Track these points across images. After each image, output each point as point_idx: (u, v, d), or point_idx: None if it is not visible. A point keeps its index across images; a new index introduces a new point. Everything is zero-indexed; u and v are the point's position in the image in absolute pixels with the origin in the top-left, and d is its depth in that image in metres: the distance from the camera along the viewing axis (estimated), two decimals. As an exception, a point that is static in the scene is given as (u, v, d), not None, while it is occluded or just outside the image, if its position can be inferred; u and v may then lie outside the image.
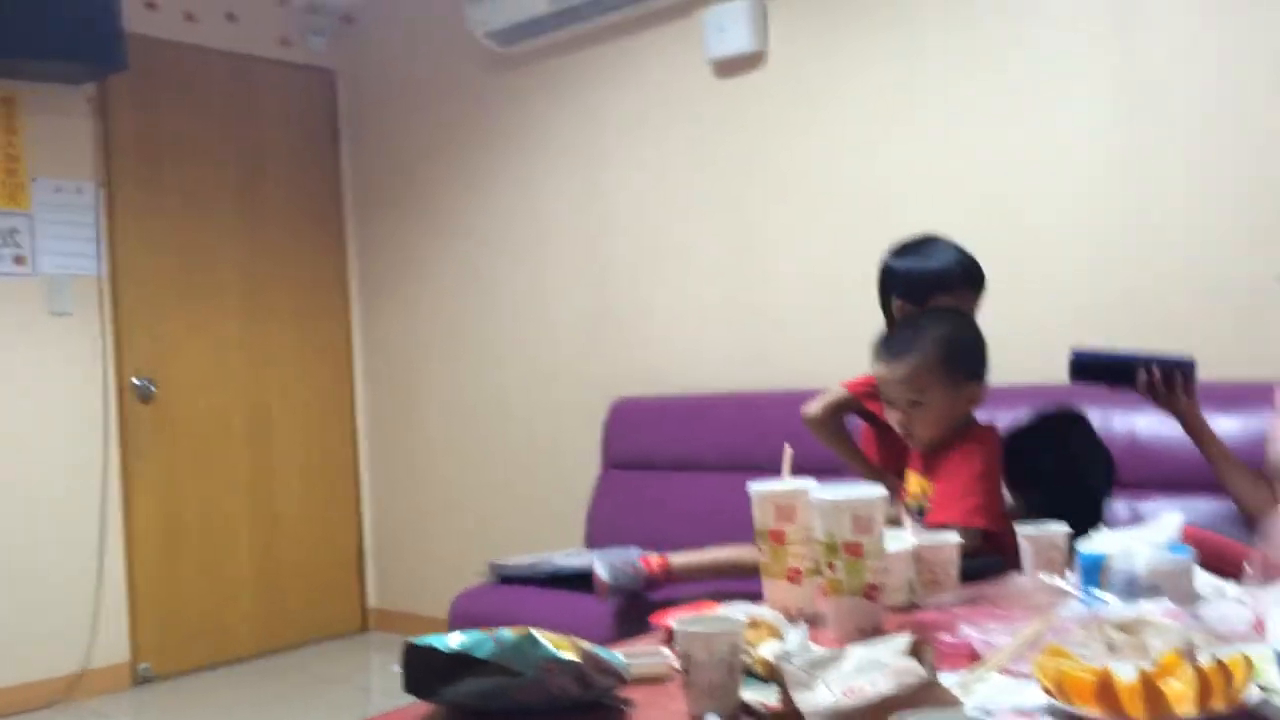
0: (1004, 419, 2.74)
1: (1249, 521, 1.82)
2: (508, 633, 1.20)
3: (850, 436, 2.37)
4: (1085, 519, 1.93)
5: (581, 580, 2.91)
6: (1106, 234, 2.82)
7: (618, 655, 1.26)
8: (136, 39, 3.97)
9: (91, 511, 4.00)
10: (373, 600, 4.75)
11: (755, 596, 1.57)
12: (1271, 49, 2.56)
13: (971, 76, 3.04)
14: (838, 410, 2.35)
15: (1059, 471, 2.12)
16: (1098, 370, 2.03)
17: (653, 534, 3.01)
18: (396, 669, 1.29)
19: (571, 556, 3.13)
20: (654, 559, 2.70)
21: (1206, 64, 2.66)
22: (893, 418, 2.00)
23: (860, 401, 2.30)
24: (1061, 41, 2.87)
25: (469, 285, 4.34)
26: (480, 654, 1.19)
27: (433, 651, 1.21)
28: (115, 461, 4.07)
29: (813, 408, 2.36)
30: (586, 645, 1.20)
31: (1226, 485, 2.07)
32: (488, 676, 1.19)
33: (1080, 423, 2.22)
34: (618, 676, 1.24)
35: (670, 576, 2.68)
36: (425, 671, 1.22)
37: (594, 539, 3.48)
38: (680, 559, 2.69)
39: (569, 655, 1.17)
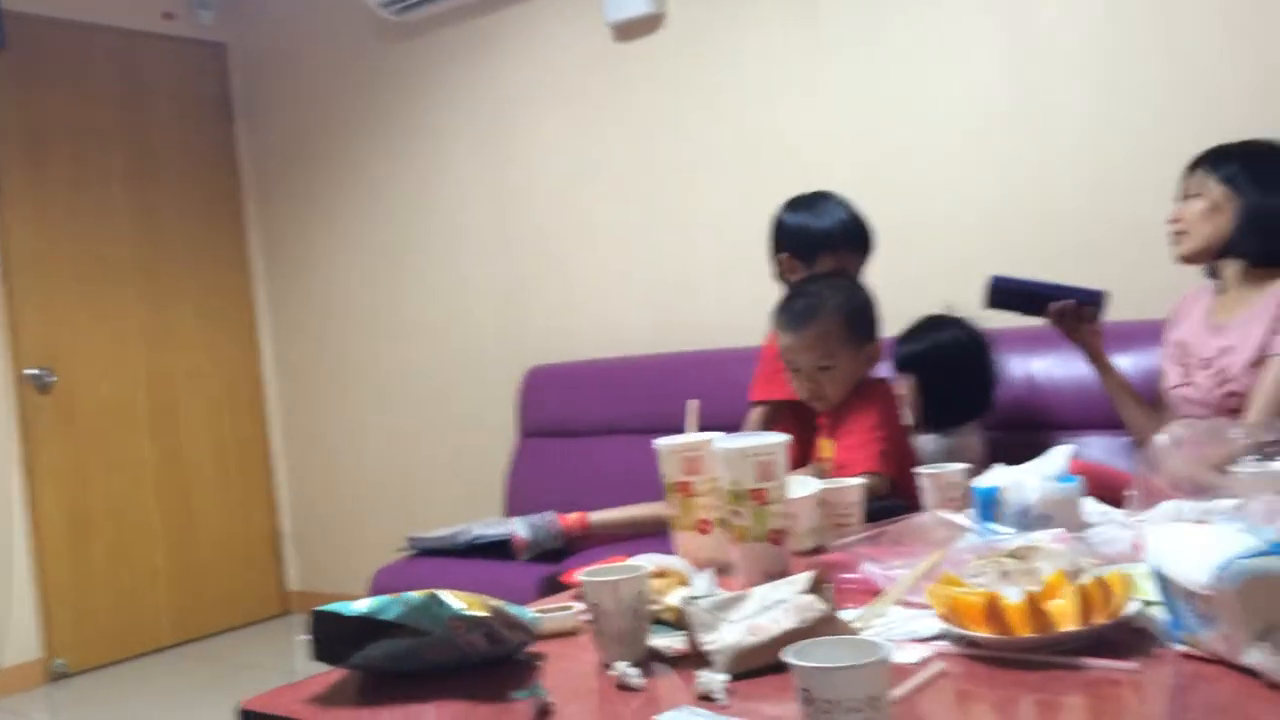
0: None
1: (1142, 449, 1.92)
2: (414, 595, 1.21)
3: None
4: (977, 402, 2.09)
5: (501, 548, 2.92)
6: (1002, 184, 2.89)
7: (528, 611, 1.27)
8: (13, 16, 3.80)
9: (-8, 507, 3.87)
10: (292, 583, 4.69)
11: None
12: (1158, 3, 2.65)
13: (869, 33, 3.07)
14: (749, 424, 2.38)
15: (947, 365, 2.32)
16: (1013, 297, 2.14)
17: (571, 499, 3.02)
18: (305, 638, 1.28)
19: (491, 525, 3.13)
20: (572, 517, 2.72)
21: (1096, 17, 2.73)
22: (800, 384, 2.05)
23: (758, 399, 2.34)
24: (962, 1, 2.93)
25: (378, 260, 4.27)
26: (387, 616, 1.19)
27: (339, 617, 1.21)
28: (15, 453, 3.93)
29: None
30: (495, 602, 1.21)
31: (1122, 415, 2.21)
32: (396, 638, 1.19)
33: (958, 324, 2.38)
34: (528, 631, 1.25)
35: (588, 533, 2.71)
36: (333, 638, 1.22)
37: (513, 508, 3.48)
38: (598, 516, 2.72)
39: (477, 612, 1.18)
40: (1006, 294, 2.12)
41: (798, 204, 2.35)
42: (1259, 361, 1.94)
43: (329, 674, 1.24)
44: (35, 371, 3.99)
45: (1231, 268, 2.05)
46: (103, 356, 4.17)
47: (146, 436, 4.28)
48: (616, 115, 3.59)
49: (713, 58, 3.36)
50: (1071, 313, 2.11)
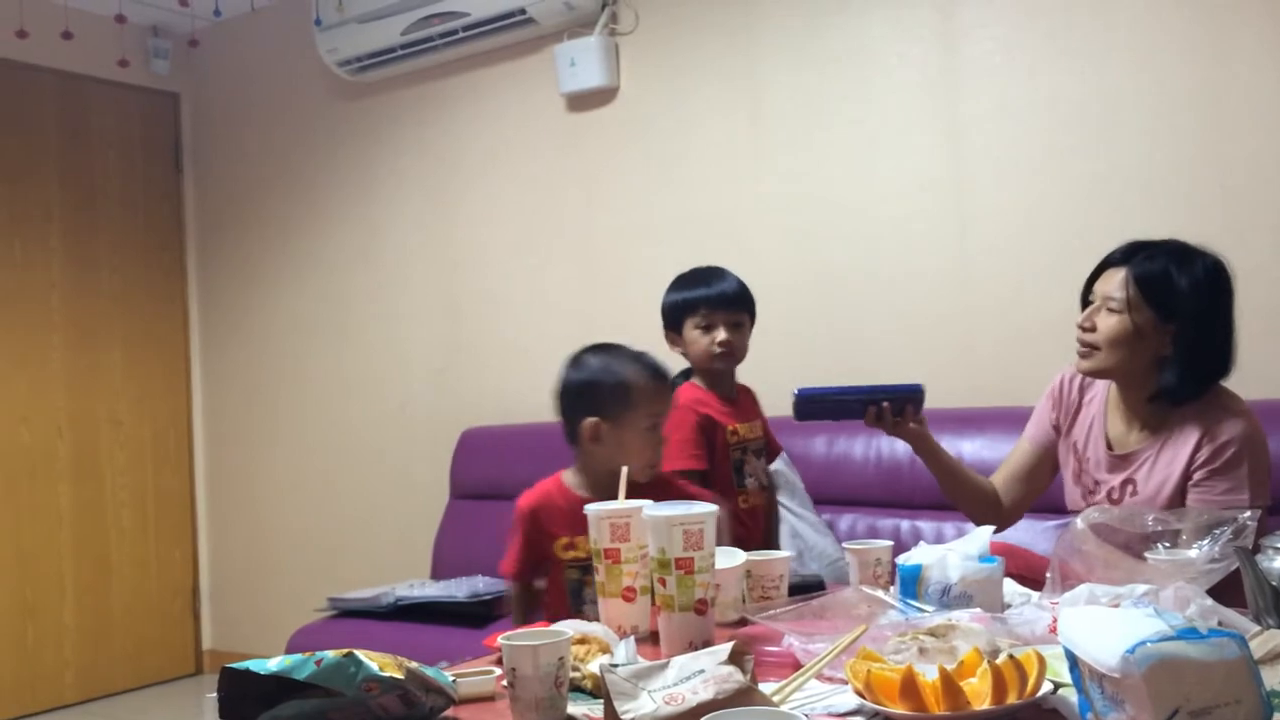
0: (796, 445, 2.91)
1: (981, 523, 1.87)
2: (330, 654, 1.18)
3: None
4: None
5: (425, 611, 2.87)
6: (930, 272, 2.98)
7: (445, 674, 1.25)
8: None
9: (-105, 553, 3.72)
10: (208, 642, 4.54)
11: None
12: (1087, 100, 2.76)
13: (809, 122, 3.17)
14: None
15: None
16: (822, 408, 2.02)
17: (499, 562, 2.99)
18: (212, 696, 1.25)
19: (414, 587, 3.08)
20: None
21: (1028, 113, 2.84)
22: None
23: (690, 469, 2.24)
24: (894, 88, 3.03)
25: (317, 316, 4.24)
26: (300, 675, 1.16)
27: (249, 675, 1.18)
28: (-76, 498, 3.80)
29: None
30: (412, 665, 1.19)
31: (955, 498, 2.10)
32: (308, 698, 1.16)
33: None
34: (445, 695, 1.23)
35: None
36: (242, 696, 1.19)
37: (440, 569, 3.43)
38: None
39: (392, 674, 1.15)
40: (815, 405, 1.99)
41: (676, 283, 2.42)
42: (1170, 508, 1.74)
43: (236, 733, 1.20)
44: (-47, 412, 3.88)
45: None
46: (22, 401, 4.06)
47: (65, 484, 4.15)
48: (564, 184, 3.63)
49: (661, 134, 3.43)
50: (890, 414, 1.94)
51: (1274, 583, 1.31)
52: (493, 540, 3.39)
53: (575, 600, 1.86)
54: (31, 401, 4.08)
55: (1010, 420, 2.54)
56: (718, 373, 2.33)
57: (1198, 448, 1.79)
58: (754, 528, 2.31)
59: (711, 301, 2.30)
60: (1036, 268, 2.81)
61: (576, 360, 1.99)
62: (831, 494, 2.89)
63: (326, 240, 4.20)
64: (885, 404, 1.94)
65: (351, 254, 4.14)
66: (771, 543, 2.35)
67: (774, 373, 3.15)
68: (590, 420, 1.88)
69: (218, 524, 4.55)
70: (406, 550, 3.82)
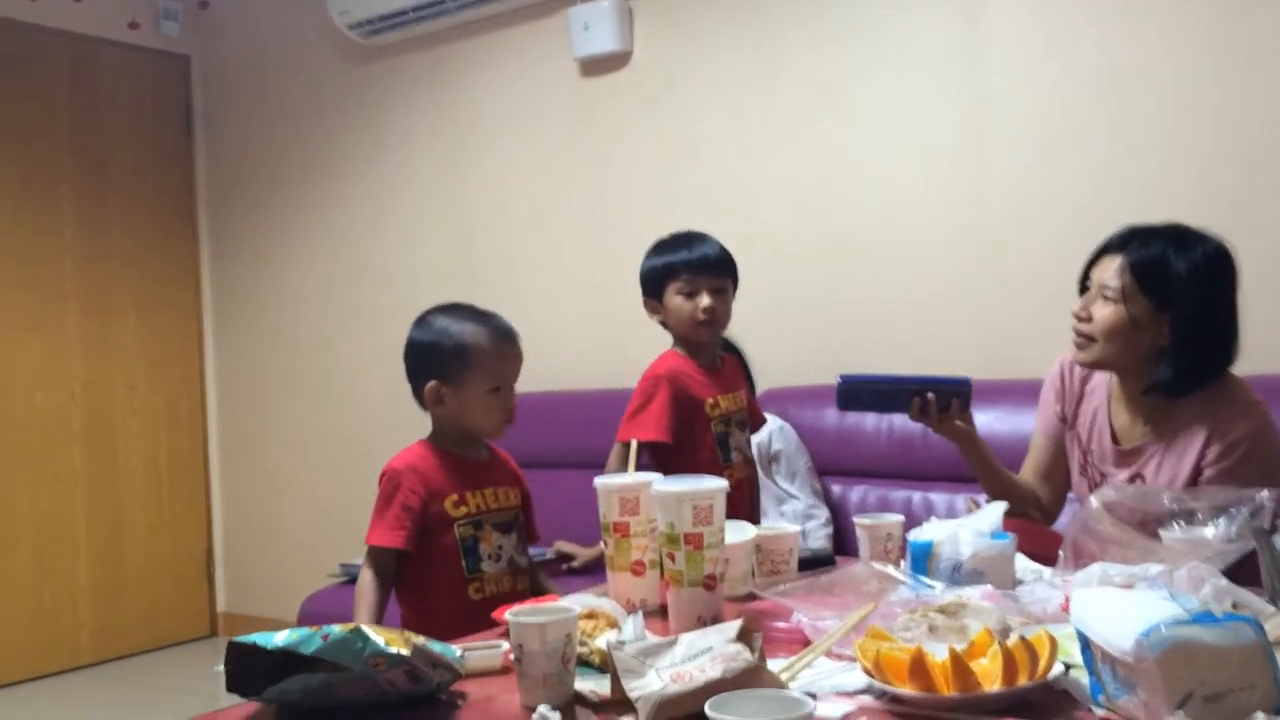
0: (807, 416, 2.89)
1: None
2: (336, 628, 1.18)
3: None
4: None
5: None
6: (945, 245, 2.94)
7: (452, 649, 1.25)
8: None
9: (-88, 515, 3.75)
10: (222, 604, 4.58)
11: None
12: (1106, 74, 2.71)
13: (826, 89, 3.12)
14: (624, 461, 2.09)
15: None
16: (867, 396, 1.93)
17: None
18: (219, 669, 1.25)
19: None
20: None
21: (1047, 86, 2.79)
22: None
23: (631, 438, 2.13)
24: (914, 57, 2.97)
25: (330, 280, 4.23)
26: (306, 650, 1.16)
27: (256, 649, 1.18)
28: (-61, 460, 3.83)
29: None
30: (419, 640, 1.19)
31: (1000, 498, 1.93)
32: (314, 672, 1.16)
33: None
34: (451, 670, 1.22)
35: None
36: (249, 670, 1.19)
37: (452, 538, 3.43)
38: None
39: (398, 649, 1.15)
40: (859, 393, 1.90)
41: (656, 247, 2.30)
42: None
43: (243, 707, 1.20)
44: (-34, 377, 3.89)
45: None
46: (35, 366, 4.07)
47: (79, 449, 4.17)
48: (578, 148, 3.59)
49: (675, 98, 3.39)
50: (935, 408, 1.85)
51: (1291, 564, 1.29)
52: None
53: (470, 560, 1.80)
54: (45, 366, 4.10)
55: (1028, 393, 2.50)
56: (700, 341, 2.22)
57: (1206, 445, 1.72)
58: (739, 503, 2.23)
59: (694, 266, 2.19)
60: (1056, 239, 2.77)
61: (421, 321, 1.95)
62: (843, 465, 2.87)
63: (339, 204, 4.18)
64: (931, 396, 1.84)
65: (364, 218, 4.12)
66: (755, 516, 2.28)
67: (787, 344, 3.14)
68: (431, 384, 1.85)
69: (231, 488, 4.57)
70: (418, 516, 3.83)
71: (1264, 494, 1.44)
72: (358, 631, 1.16)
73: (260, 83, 4.40)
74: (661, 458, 2.09)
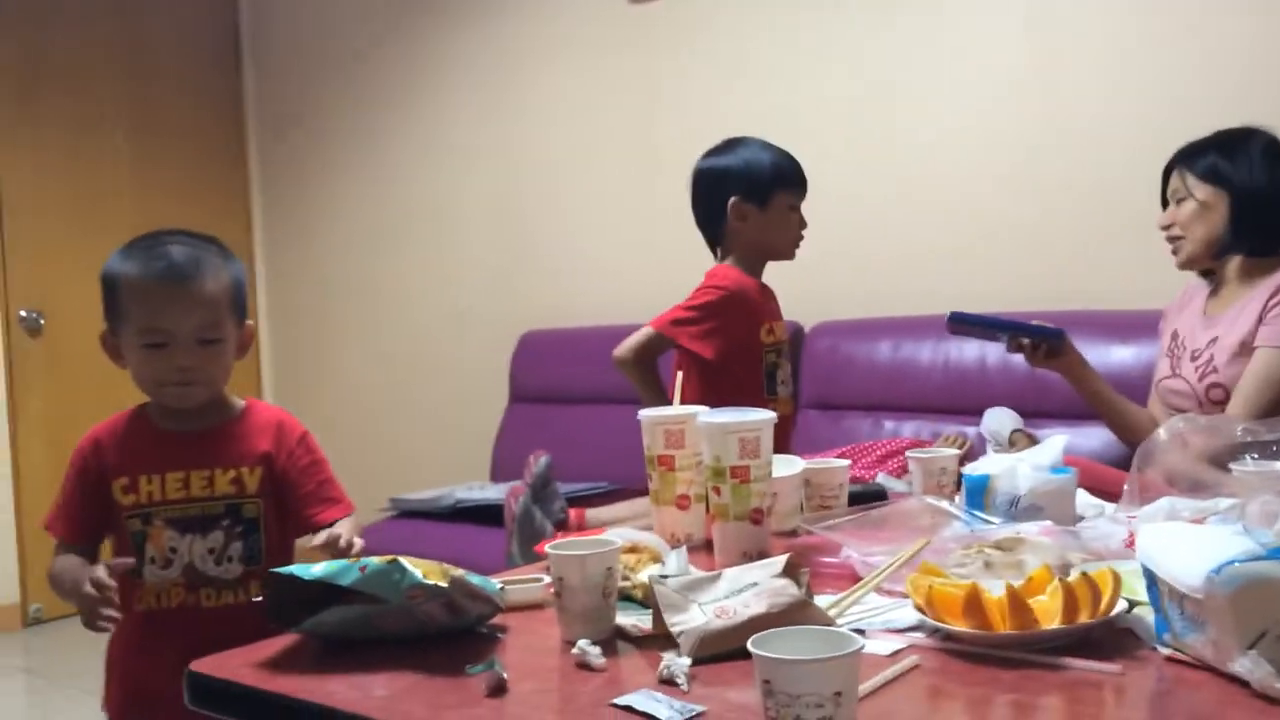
0: (861, 350, 2.82)
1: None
2: (374, 560, 1.16)
3: (659, 380, 2.19)
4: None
5: (484, 513, 2.87)
6: (1011, 170, 2.84)
7: (492, 582, 1.23)
8: (13, -50, 3.72)
9: (-24, 449, 3.83)
10: (279, 539, 4.66)
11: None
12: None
13: (885, 15, 3.00)
14: (648, 351, 2.16)
15: None
16: (970, 329, 2.13)
17: (557, 466, 2.98)
18: (258, 599, 1.24)
19: (474, 490, 3.09)
20: (569, 513, 2.63)
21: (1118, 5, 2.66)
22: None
23: (671, 338, 2.12)
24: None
25: (378, 218, 4.21)
26: (344, 582, 1.15)
27: (294, 580, 1.16)
28: (1, 396, 3.89)
29: (621, 350, 2.18)
30: (457, 572, 1.16)
31: (1112, 430, 2.14)
32: (352, 604, 1.15)
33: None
34: (491, 603, 1.20)
35: (583, 530, 2.63)
36: (287, 601, 1.18)
37: (499, 473, 3.44)
38: (595, 514, 2.62)
39: (436, 581, 1.13)
40: (964, 325, 2.08)
41: (721, 150, 2.17)
42: (1242, 353, 1.91)
43: (281, 638, 1.19)
44: (26, 314, 3.95)
45: (1230, 263, 2.01)
46: (94, 302, 4.09)
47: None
48: (626, 81, 3.51)
49: (726, 27, 3.28)
50: (1029, 349, 2.03)
51: (1373, 498, 1.22)
52: (551, 444, 3.38)
53: (140, 562, 1.47)
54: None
55: (1090, 325, 2.43)
56: (777, 260, 2.13)
57: (1271, 295, 1.90)
58: (781, 439, 2.18)
59: (804, 182, 2.11)
60: (1121, 164, 2.65)
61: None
62: (896, 400, 2.81)
63: (387, 141, 4.15)
64: (1027, 341, 2.01)
65: (412, 154, 4.08)
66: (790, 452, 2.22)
67: (838, 276, 3.06)
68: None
69: (284, 424, 4.62)
70: (467, 453, 3.84)
71: (1344, 426, 1.37)
72: (395, 564, 1.14)
73: (308, 13, 4.35)
74: (707, 376, 2.05)
